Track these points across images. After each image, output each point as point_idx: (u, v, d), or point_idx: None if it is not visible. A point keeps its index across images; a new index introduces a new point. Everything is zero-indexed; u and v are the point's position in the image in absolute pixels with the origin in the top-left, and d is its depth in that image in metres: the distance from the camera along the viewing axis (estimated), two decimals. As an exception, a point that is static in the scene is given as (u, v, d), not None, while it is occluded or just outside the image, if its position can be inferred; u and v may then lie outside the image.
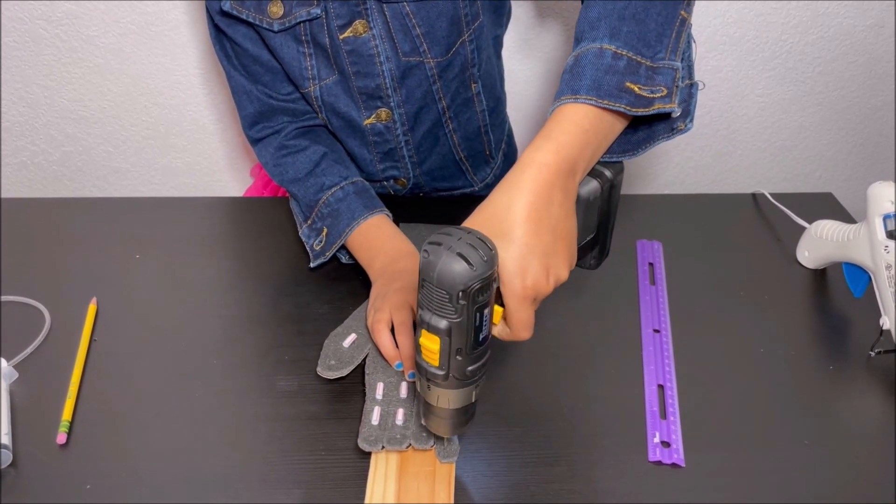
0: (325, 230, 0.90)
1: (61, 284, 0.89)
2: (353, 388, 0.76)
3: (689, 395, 0.75)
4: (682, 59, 0.65)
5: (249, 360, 0.80)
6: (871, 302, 0.81)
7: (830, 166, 1.62)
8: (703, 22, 1.39)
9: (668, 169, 1.60)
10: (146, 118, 1.45)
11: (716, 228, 1.01)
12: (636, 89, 0.61)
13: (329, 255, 0.89)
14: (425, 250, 0.53)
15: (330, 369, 0.75)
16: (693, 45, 0.68)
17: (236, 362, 0.79)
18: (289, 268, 0.93)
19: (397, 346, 0.75)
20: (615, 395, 0.75)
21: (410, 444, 0.68)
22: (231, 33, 0.89)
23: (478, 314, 0.54)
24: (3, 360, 0.76)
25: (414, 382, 0.74)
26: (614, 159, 0.66)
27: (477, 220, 0.58)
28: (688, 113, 0.66)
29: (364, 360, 0.78)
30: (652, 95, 0.61)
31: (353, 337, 0.79)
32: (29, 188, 1.54)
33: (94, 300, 0.86)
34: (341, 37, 0.86)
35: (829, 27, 1.42)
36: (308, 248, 0.92)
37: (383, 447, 0.67)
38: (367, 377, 0.75)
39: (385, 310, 0.77)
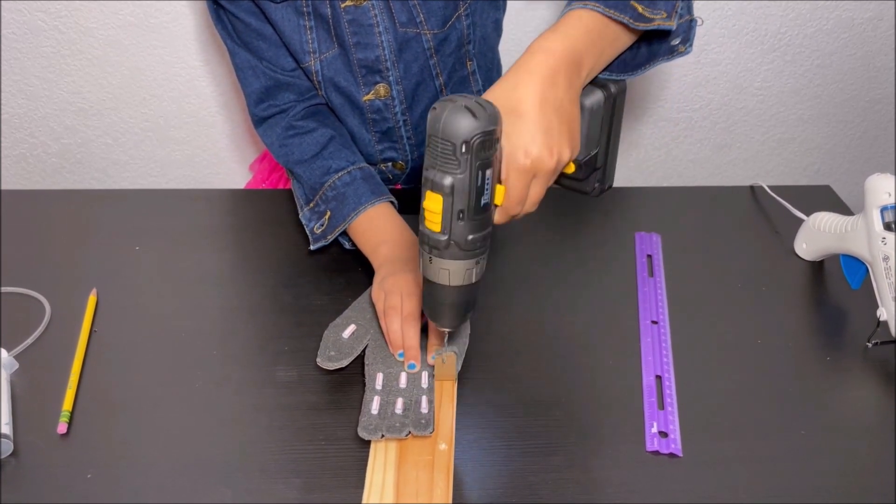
0: (329, 213, 0.89)
1: (61, 276, 0.90)
2: (352, 378, 0.76)
3: (687, 386, 0.75)
4: None
5: (249, 350, 0.80)
6: (869, 293, 0.82)
7: (829, 159, 1.62)
8: (703, 15, 1.39)
9: (666, 161, 1.60)
10: (145, 110, 1.45)
11: (714, 221, 1.01)
12: (639, 8, 0.66)
13: (331, 238, 0.89)
14: (434, 107, 0.56)
15: (330, 360, 0.76)
16: None
17: (236, 353, 0.80)
18: (288, 259, 0.93)
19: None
20: (613, 386, 0.76)
21: (410, 432, 0.68)
22: (234, 9, 0.89)
23: (480, 172, 0.56)
24: (4, 351, 0.77)
25: (413, 373, 0.74)
26: (616, 77, 0.70)
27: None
28: (688, 39, 0.72)
29: (363, 350, 0.78)
30: (653, 16, 0.66)
31: (352, 328, 0.80)
32: (28, 180, 1.54)
33: (94, 291, 0.86)
34: (343, 5, 0.86)
35: (827, 20, 1.42)
36: (308, 231, 0.91)
37: (383, 435, 0.68)
38: (366, 368, 0.76)
39: (397, 294, 0.76)
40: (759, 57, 1.45)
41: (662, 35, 0.70)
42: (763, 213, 1.03)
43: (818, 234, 0.89)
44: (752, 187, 1.08)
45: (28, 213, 1.01)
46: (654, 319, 0.84)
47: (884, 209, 0.79)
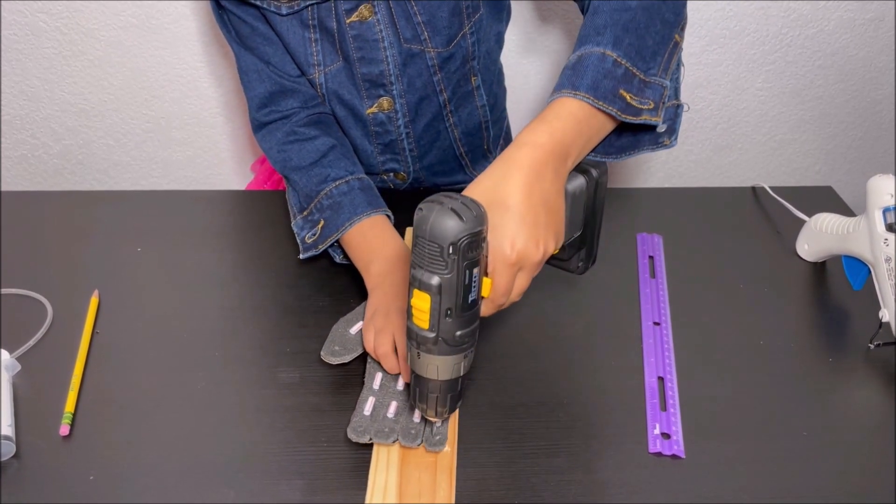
0: (322, 222, 0.88)
1: (63, 277, 0.90)
2: (354, 379, 0.76)
3: (689, 387, 0.75)
4: (671, 80, 0.70)
5: (251, 351, 0.80)
6: (871, 295, 0.82)
7: (830, 160, 1.62)
8: (704, 16, 1.39)
9: (668, 162, 1.60)
10: (147, 111, 1.46)
11: (716, 222, 1.01)
12: (628, 98, 0.66)
13: (321, 248, 0.87)
14: (420, 208, 0.56)
15: (333, 354, 0.76)
16: (682, 68, 0.73)
17: (238, 354, 0.80)
18: (290, 260, 0.93)
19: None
20: (616, 387, 0.76)
21: (397, 440, 0.68)
22: (241, 14, 0.89)
23: (467, 272, 0.56)
24: (6, 353, 0.77)
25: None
26: (598, 159, 0.71)
27: (473, 192, 0.60)
28: (673, 131, 0.73)
29: None
30: (640, 106, 0.67)
31: (360, 325, 0.79)
32: (30, 181, 1.54)
33: (96, 293, 0.86)
34: (348, 21, 0.86)
35: (828, 21, 1.42)
36: (299, 241, 0.90)
37: (370, 439, 0.67)
38: (367, 366, 0.76)
39: (388, 332, 0.74)
40: (760, 58, 1.45)
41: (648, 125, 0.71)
42: (765, 214, 1.03)
43: (820, 236, 0.89)
44: (753, 188, 1.08)
45: (29, 214, 1.01)
46: (656, 321, 0.84)
47: (886, 210, 0.79)
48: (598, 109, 0.65)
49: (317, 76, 0.92)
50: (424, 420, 0.69)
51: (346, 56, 0.90)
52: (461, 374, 0.61)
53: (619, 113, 0.65)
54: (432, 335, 0.58)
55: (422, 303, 0.57)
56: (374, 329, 0.76)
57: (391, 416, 0.70)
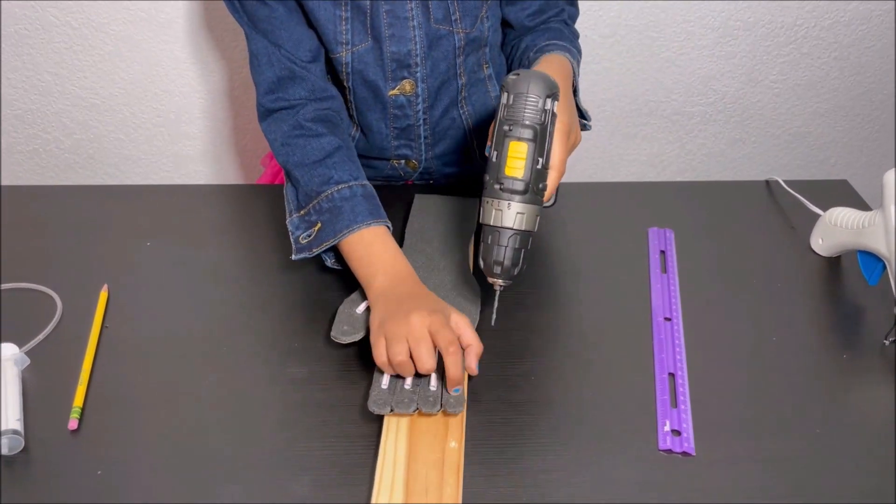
0: (319, 225, 0.85)
1: (73, 272, 0.90)
2: (362, 375, 0.76)
3: (700, 384, 0.75)
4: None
5: (259, 347, 0.80)
6: (886, 290, 0.81)
7: (846, 153, 1.61)
8: (718, 6, 1.38)
9: (680, 156, 1.59)
10: (157, 106, 1.46)
11: (729, 216, 1.00)
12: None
13: (315, 252, 0.84)
14: (515, 73, 0.70)
15: (343, 334, 0.76)
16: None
17: (246, 349, 0.80)
18: (299, 255, 0.93)
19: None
20: (626, 383, 0.75)
21: (418, 408, 0.69)
22: None
23: (551, 125, 0.70)
24: (15, 347, 0.77)
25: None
26: None
27: None
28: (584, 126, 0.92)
29: None
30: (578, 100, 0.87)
31: (366, 304, 0.80)
32: (41, 176, 1.55)
33: (105, 287, 0.86)
34: None
35: (845, 11, 1.40)
36: (292, 240, 0.86)
37: (392, 410, 0.69)
38: (375, 374, 0.75)
39: (401, 337, 0.70)
40: (774, 49, 1.44)
41: None
42: (778, 208, 1.02)
43: (835, 230, 0.88)
44: (767, 182, 1.07)
45: (40, 208, 1.02)
46: (667, 316, 0.83)
47: (902, 204, 0.78)
48: (573, 80, 0.84)
49: (343, 55, 0.92)
50: (441, 387, 0.71)
51: (377, 34, 0.91)
52: (535, 228, 0.71)
53: (577, 95, 0.86)
54: (526, 181, 0.69)
55: (519, 152, 0.68)
56: (384, 338, 0.71)
57: (408, 387, 0.71)
